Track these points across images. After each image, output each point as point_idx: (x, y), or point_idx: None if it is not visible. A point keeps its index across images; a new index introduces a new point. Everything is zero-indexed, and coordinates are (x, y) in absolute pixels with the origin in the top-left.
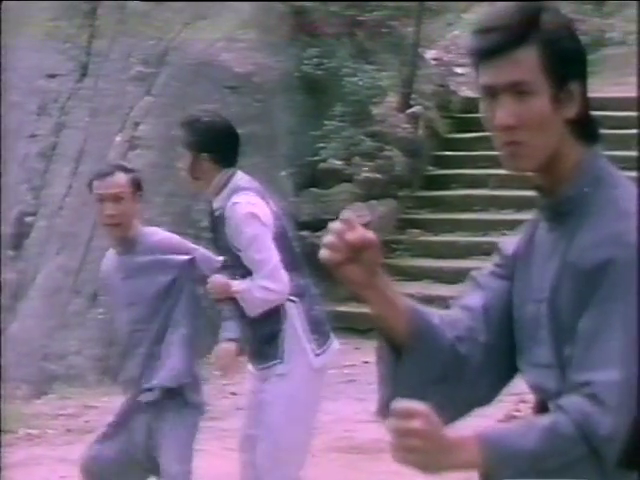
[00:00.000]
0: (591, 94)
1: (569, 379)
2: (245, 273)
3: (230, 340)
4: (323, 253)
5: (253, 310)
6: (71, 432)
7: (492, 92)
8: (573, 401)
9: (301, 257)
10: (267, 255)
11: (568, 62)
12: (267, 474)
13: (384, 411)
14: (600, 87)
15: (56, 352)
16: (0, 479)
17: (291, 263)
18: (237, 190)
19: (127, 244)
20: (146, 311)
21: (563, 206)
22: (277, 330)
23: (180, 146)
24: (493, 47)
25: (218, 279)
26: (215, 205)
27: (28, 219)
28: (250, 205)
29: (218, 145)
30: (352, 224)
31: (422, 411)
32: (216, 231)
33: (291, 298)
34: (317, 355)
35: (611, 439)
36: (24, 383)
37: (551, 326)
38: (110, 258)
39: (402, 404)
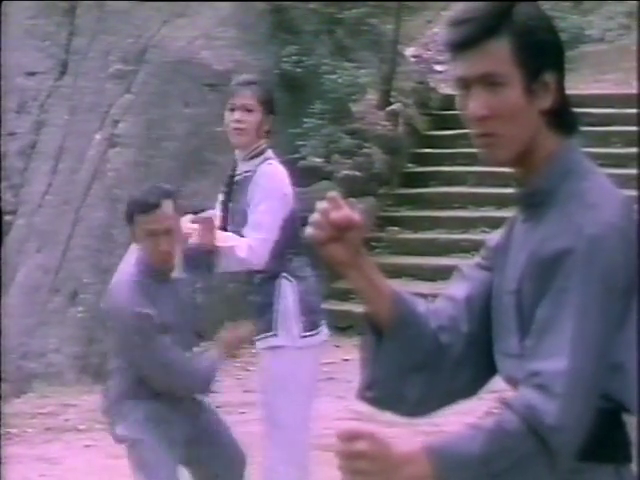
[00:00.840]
0: (569, 91)
1: (524, 369)
2: None
3: None
4: (308, 231)
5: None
6: (50, 431)
7: (466, 84)
8: (520, 396)
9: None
10: (270, 229)
11: (541, 53)
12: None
13: (364, 393)
14: (578, 84)
15: (35, 350)
16: (0, 475)
17: (296, 245)
18: (271, 159)
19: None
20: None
21: (534, 197)
22: (269, 304)
23: (248, 102)
24: (464, 39)
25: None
26: (241, 168)
27: (7, 217)
28: (285, 176)
29: (274, 111)
30: (338, 203)
31: (366, 432)
32: (233, 195)
33: (288, 277)
34: (301, 337)
35: (558, 428)
36: (3, 382)
37: (517, 316)
38: None
39: (346, 427)
